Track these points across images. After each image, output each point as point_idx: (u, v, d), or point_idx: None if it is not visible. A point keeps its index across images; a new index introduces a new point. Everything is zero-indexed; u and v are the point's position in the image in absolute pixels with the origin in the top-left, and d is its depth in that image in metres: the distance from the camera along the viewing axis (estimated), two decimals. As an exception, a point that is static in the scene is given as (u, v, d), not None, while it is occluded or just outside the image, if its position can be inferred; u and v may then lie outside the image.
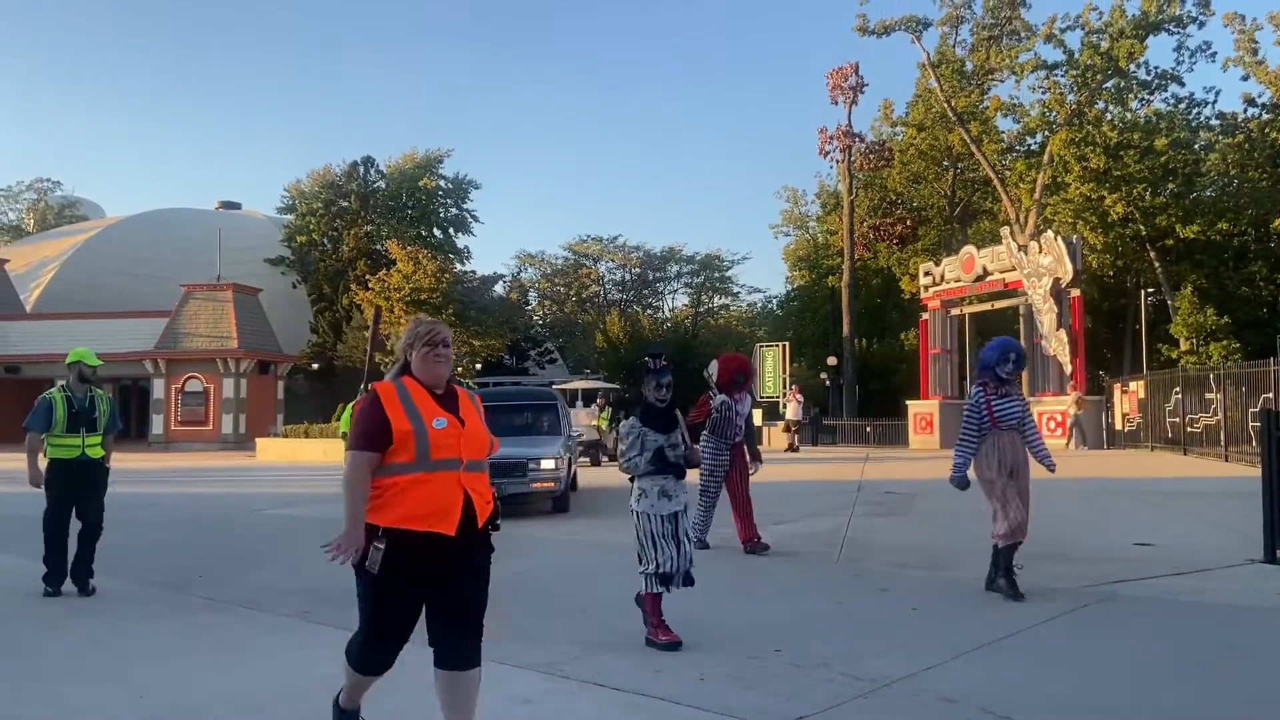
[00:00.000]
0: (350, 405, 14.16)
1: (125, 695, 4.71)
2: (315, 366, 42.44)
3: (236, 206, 59.68)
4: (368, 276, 37.69)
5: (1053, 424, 25.69)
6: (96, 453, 7.24)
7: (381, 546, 3.46)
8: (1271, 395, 17.40)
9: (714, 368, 9.17)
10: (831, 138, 41.33)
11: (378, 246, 45.55)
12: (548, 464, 11.85)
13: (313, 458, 26.64)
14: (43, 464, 7.24)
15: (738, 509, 8.87)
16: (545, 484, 11.82)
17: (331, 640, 5.78)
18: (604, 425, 23.57)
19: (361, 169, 47.94)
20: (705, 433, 8.69)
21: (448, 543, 3.46)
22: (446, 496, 3.45)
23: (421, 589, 3.54)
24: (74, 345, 8.34)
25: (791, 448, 28.29)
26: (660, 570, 5.62)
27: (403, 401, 3.50)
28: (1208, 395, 20.67)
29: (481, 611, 3.64)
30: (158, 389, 38.91)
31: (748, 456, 9.05)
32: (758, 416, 34.42)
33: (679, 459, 5.74)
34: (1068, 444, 25.30)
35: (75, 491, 7.15)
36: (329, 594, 7.28)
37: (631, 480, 5.80)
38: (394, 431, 3.41)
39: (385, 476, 3.45)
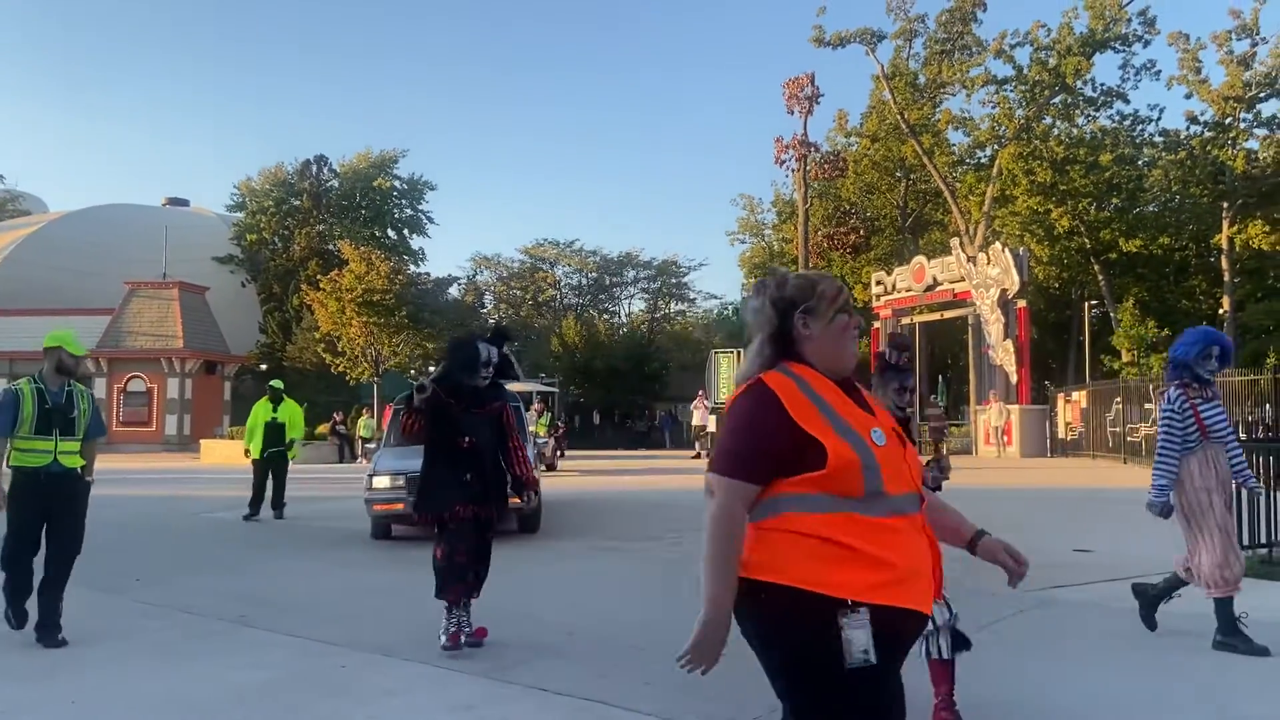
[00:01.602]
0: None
1: (56, 699, 4.59)
2: (264, 367, 41.70)
3: (184, 203, 58.54)
4: (319, 277, 37.16)
5: (1004, 435, 26.15)
6: (73, 461, 5.89)
7: (858, 622, 2.08)
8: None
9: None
10: (787, 147, 41.62)
11: (330, 246, 44.99)
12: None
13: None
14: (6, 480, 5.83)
15: None
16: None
17: (269, 645, 5.70)
18: (543, 430, 23.42)
19: (314, 167, 47.33)
20: None
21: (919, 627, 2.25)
22: (920, 553, 2.23)
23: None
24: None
25: (698, 455, 28.25)
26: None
27: (814, 401, 2.22)
28: (1147, 405, 21.15)
29: None
30: (99, 389, 37.94)
31: None
32: (712, 423, 34.62)
33: (937, 480, 4.61)
34: (1000, 451, 25.99)
35: (43, 509, 5.74)
36: (267, 598, 7.17)
37: None
38: (829, 452, 2.15)
39: (803, 513, 2.16)
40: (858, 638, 2.07)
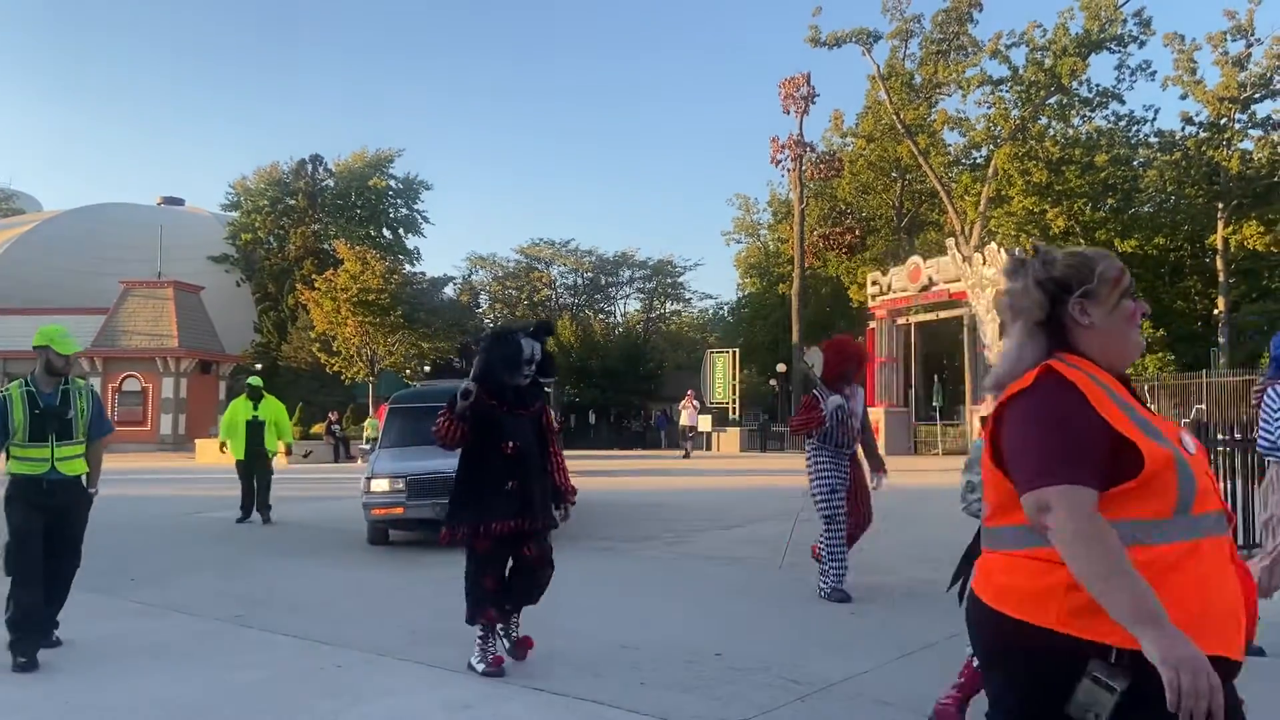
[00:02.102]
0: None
1: (51, 700, 4.58)
2: (259, 367, 41.70)
3: (180, 202, 58.44)
4: (314, 276, 37.16)
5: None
6: (74, 467, 5.43)
7: (1109, 676, 1.70)
8: (1203, 406, 17.91)
9: (815, 358, 7.16)
10: (783, 147, 41.71)
11: (325, 246, 44.95)
12: None
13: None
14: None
15: (849, 538, 6.98)
16: None
17: (265, 644, 5.70)
18: None
19: (310, 167, 47.29)
20: (814, 442, 6.93)
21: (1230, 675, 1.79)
22: (1229, 586, 1.80)
23: None
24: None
25: (685, 455, 28.15)
26: None
27: (1112, 398, 1.85)
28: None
29: None
30: (94, 388, 37.98)
31: (867, 466, 7.17)
32: (705, 423, 34.66)
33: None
34: None
35: (42, 519, 5.32)
36: (263, 598, 7.17)
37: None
38: (1145, 456, 1.77)
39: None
40: (1096, 697, 1.70)
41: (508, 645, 5.13)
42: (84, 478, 5.50)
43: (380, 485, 9.50)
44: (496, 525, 4.91)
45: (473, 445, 5.04)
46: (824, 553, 6.81)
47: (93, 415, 5.55)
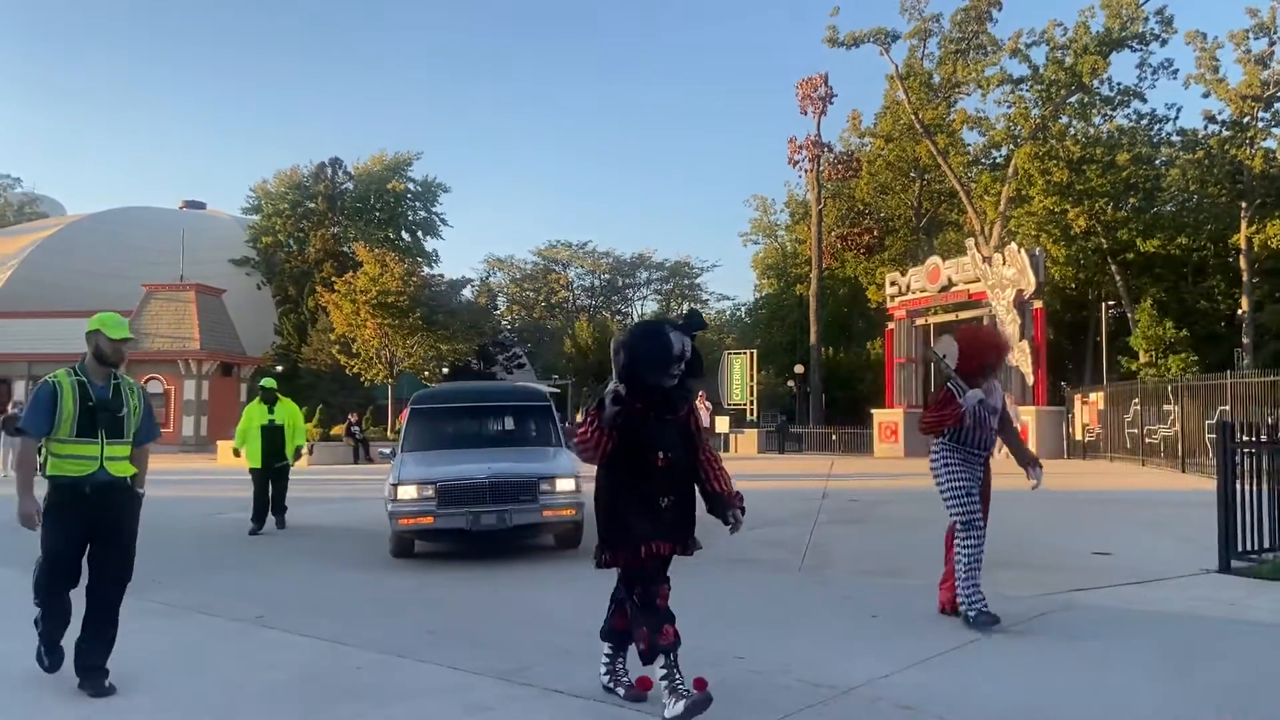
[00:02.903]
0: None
1: (74, 702, 4.61)
2: (279, 369, 42.00)
3: (201, 206, 58.95)
4: (334, 279, 37.35)
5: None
6: (123, 469, 4.83)
7: None
8: (1227, 408, 17.71)
9: (948, 348, 6.30)
10: (801, 147, 41.64)
11: (344, 249, 45.21)
12: (565, 485, 8.86)
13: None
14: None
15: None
16: (563, 512, 8.84)
17: (286, 645, 5.72)
18: None
19: (329, 170, 47.57)
20: (944, 441, 6.19)
21: None
22: None
23: None
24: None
25: None
26: None
27: None
28: (1166, 407, 21.00)
29: None
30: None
31: (1025, 466, 6.39)
32: (722, 424, 34.59)
33: None
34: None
35: (87, 528, 4.69)
36: (284, 599, 7.20)
37: None
38: None
39: None
40: None
41: (628, 679, 4.61)
42: (131, 479, 4.90)
43: (408, 493, 8.64)
44: (659, 545, 4.34)
45: (618, 457, 4.37)
46: (962, 563, 5.97)
47: (143, 416, 5.00)
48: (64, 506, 4.66)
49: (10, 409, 22.75)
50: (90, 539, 4.72)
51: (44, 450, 4.74)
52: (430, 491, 8.57)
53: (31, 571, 4.81)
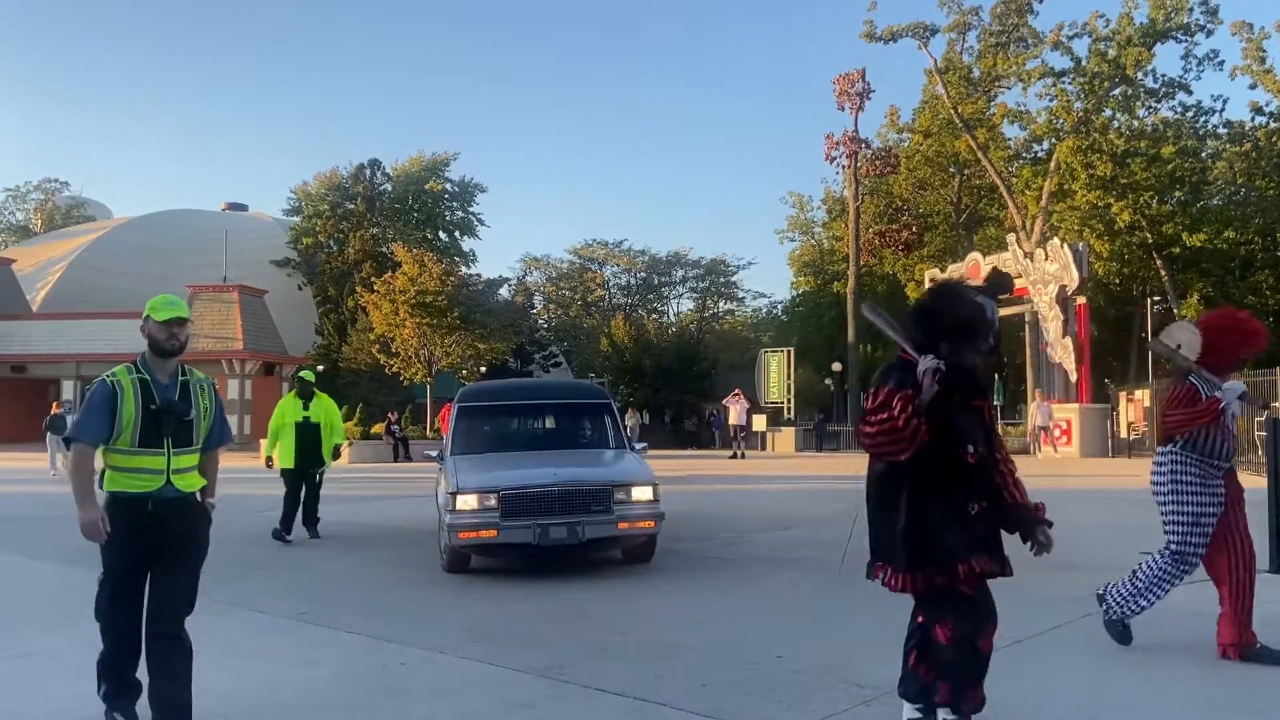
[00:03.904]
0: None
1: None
2: (320, 368, 42.52)
3: (243, 208, 59.82)
4: (373, 279, 37.75)
5: (1058, 431, 25.67)
6: (192, 482, 4.16)
7: None
8: (1278, 404, 17.31)
9: (1185, 337, 5.22)
10: (838, 143, 41.33)
11: (383, 249, 45.60)
12: (643, 493, 7.92)
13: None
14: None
15: (1237, 587, 5.06)
16: (640, 525, 7.87)
17: (330, 642, 5.78)
18: None
19: (368, 172, 48.02)
20: (1180, 451, 5.19)
21: None
22: None
23: None
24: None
25: (735, 455, 27.65)
26: None
27: None
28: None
29: None
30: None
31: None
32: (760, 423, 34.43)
33: None
34: (1035, 452, 25.66)
35: (150, 549, 4.03)
36: (327, 596, 7.27)
37: None
38: None
39: None
40: None
41: None
42: (200, 493, 4.24)
43: (468, 503, 7.63)
44: (978, 563, 3.49)
45: (923, 452, 3.47)
46: (1145, 576, 5.31)
47: (215, 417, 4.30)
48: (124, 525, 4.00)
49: (57, 408, 23.19)
50: (152, 561, 4.05)
51: (100, 460, 4.11)
52: (493, 501, 7.59)
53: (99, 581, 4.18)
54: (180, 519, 4.09)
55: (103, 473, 4.08)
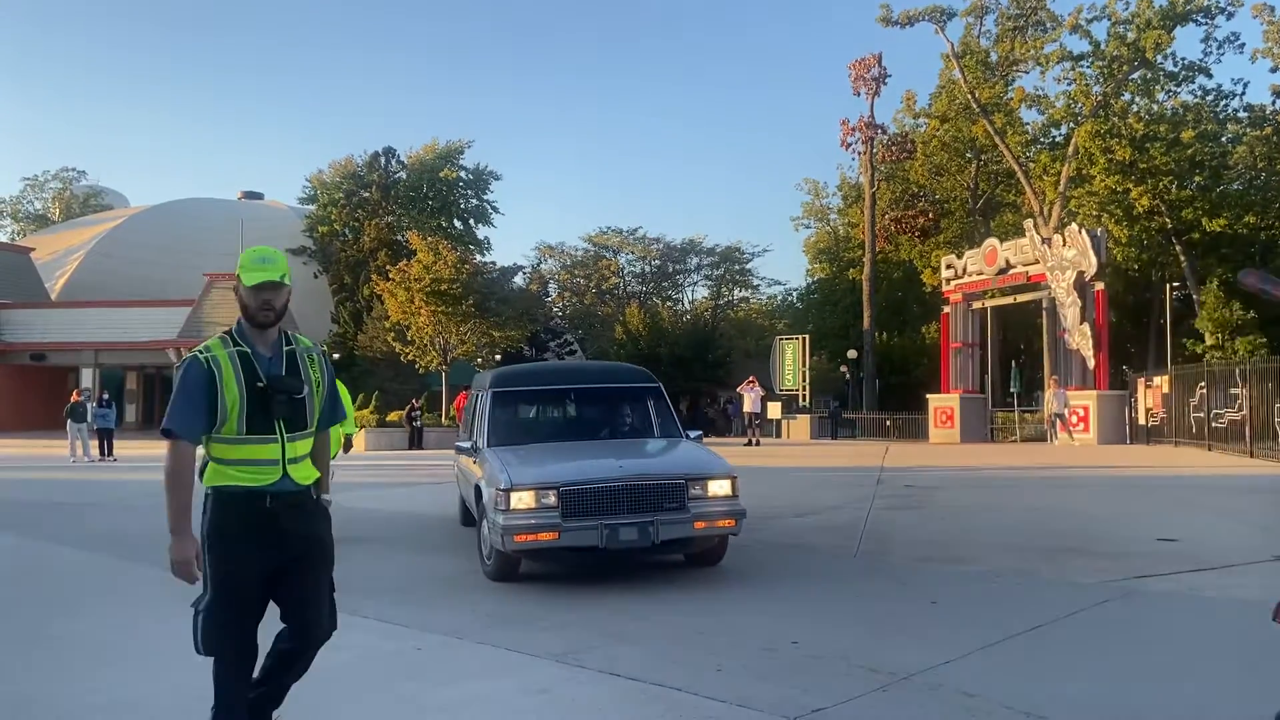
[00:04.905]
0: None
1: (140, 680, 4.73)
2: (336, 356, 42.69)
3: (259, 196, 60.03)
4: (388, 267, 37.84)
5: (1075, 418, 25.52)
6: (307, 474, 3.49)
7: None
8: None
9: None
10: (853, 129, 41.14)
11: (398, 237, 45.68)
12: (720, 487, 6.96)
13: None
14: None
15: None
16: (720, 524, 6.94)
17: (347, 627, 5.79)
18: None
19: (383, 160, 48.08)
20: None
21: None
22: None
23: None
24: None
25: (750, 442, 27.47)
26: None
27: None
28: (1233, 390, 20.41)
29: None
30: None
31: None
32: (774, 410, 34.37)
33: None
34: (1051, 439, 25.53)
35: (270, 559, 3.37)
36: (344, 580, 7.26)
37: None
38: None
39: None
40: None
41: None
42: (314, 486, 3.55)
43: (524, 500, 6.63)
44: None
45: None
46: None
47: (329, 392, 3.61)
48: (237, 527, 3.32)
49: (76, 396, 23.38)
50: (276, 573, 3.39)
51: (205, 455, 3.43)
52: (551, 499, 6.61)
53: (191, 619, 3.40)
54: (301, 519, 3.45)
55: (202, 467, 3.38)
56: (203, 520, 3.36)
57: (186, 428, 3.29)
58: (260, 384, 3.34)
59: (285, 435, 3.38)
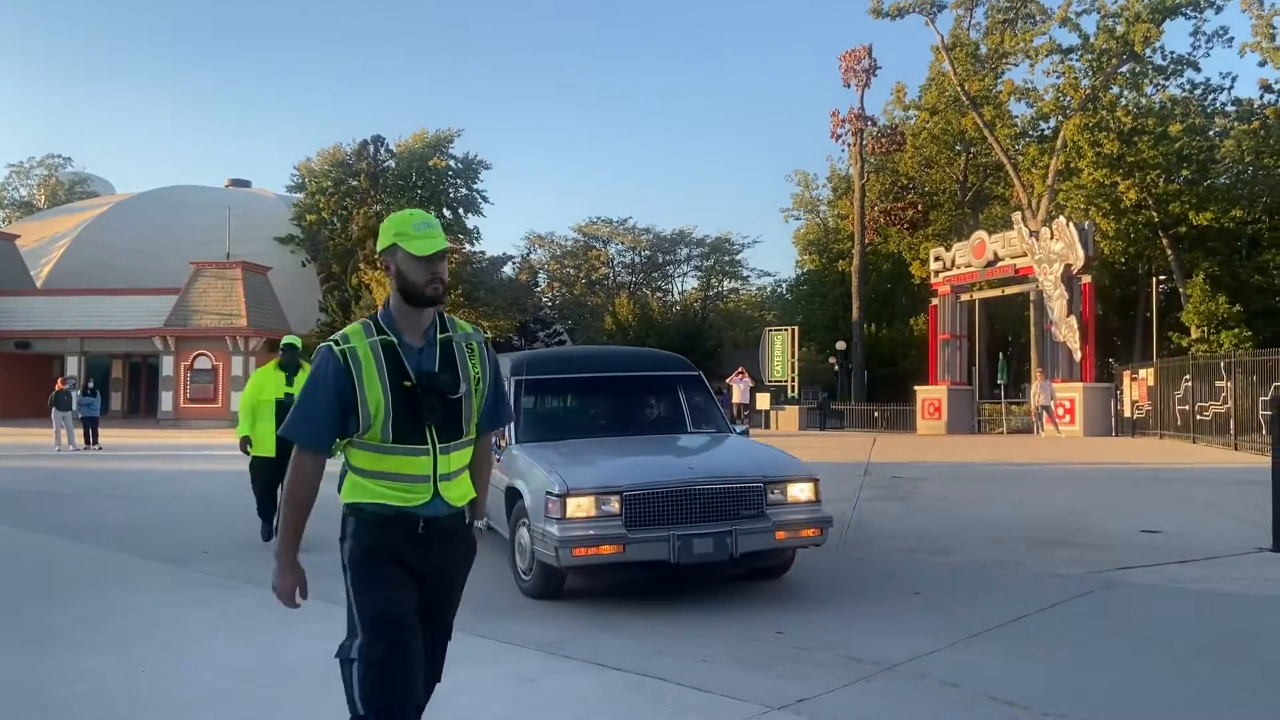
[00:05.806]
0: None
1: (125, 668, 4.72)
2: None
3: (246, 184, 59.63)
4: (377, 256, 37.81)
5: (1061, 410, 25.66)
6: (463, 492, 2.88)
7: None
8: (1282, 384, 17.28)
9: None
10: (843, 121, 41.13)
11: (387, 226, 45.53)
12: (802, 491, 6.26)
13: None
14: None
15: None
16: (804, 533, 6.09)
17: (333, 615, 5.79)
18: None
19: (371, 148, 47.86)
20: None
21: None
22: None
23: None
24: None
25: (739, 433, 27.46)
26: None
27: None
28: (1218, 383, 20.54)
29: None
30: (167, 366, 39.05)
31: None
32: (763, 401, 34.45)
33: None
34: (1037, 431, 25.69)
35: (418, 585, 2.84)
36: (327, 570, 7.27)
37: None
38: None
39: None
40: None
41: None
42: (469, 508, 2.93)
43: (583, 506, 5.68)
44: None
45: None
46: None
47: (491, 388, 2.94)
48: (388, 552, 2.78)
49: (61, 384, 23.23)
50: (425, 615, 2.86)
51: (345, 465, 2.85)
52: (614, 505, 5.67)
53: (342, 673, 2.84)
54: (453, 550, 2.87)
55: (341, 476, 2.83)
56: (342, 545, 2.81)
57: (310, 435, 2.71)
58: (408, 383, 2.71)
59: (438, 444, 2.76)
